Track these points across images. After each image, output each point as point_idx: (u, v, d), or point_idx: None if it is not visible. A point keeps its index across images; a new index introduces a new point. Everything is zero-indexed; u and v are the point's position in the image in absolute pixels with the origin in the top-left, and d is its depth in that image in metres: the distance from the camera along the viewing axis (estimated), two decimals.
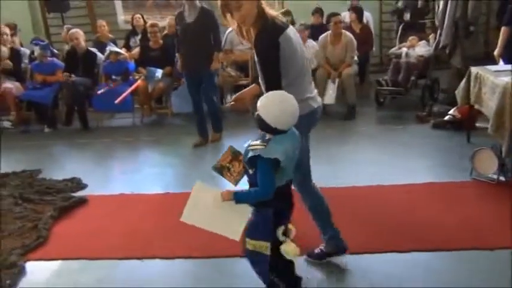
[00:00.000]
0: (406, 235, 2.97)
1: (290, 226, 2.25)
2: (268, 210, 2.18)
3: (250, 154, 2.11)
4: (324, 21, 7.02)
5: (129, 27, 7.67)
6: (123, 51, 6.81)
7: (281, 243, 2.21)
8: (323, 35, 6.03)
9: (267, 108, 2.14)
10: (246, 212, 2.21)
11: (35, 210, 3.71)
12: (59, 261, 3.01)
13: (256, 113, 2.16)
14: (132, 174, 4.47)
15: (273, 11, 2.50)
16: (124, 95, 5.79)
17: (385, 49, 7.83)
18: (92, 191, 4.06)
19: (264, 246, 2.19)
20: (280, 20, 2.48)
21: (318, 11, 7.06)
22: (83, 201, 3.83)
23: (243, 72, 6.57)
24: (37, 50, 6.42)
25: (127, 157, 5.08)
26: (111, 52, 6.38)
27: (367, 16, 7.26)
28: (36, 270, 2.94)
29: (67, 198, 3.87)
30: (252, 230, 2.22)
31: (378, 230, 3.07)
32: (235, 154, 2.28)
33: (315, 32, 6.43)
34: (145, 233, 3.26)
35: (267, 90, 2.36)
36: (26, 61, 6.78)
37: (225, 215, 2.20)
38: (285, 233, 2.22)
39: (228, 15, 2.44)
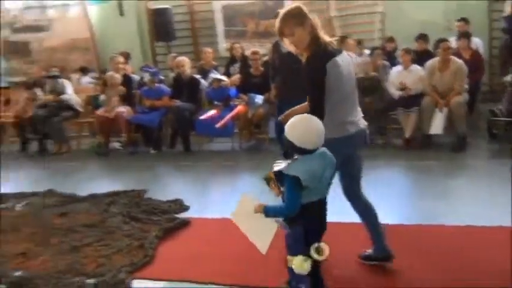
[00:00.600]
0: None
1: (322, 245, 2.33)
2: (298, 228, 2.33)
3: (275, 169, 2.34)
4: (430, 48, 6.73)
5: (229, 54, 7.93)
6: (224, 78, 7.05)
7: (315, 260, 2.32)
8: (430, 61, 5.74)
9: (293, 129, 2.32)
10: (273, 227, 2.38)
11: (142, 229, 3.85)
12: (164, 282, 3.07)
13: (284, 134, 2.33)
14: (232, 198, 4.49)
15: (327, 37, 2.70)
16: (225, 119, 5.94)
17: (494, 76, 7.32)
18: (193, 213, 4.15)
19: (300, 262, 2.32)
20: (332, 47, 2.69)
21: (422, 37, 6.78)
22: (186, 223, 3.92)
23: None
24: (146, 76, 6.82)
25: (227, 181, 5.15)
26: (214, 79, 6.62)
27: (477, 42, 6.84)
28: None
29: (171, 220, 3.98)
30: (288, 247, 2.40)
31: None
32: None
33: (419, 58, 6.16)
34: (247, 260, 3.23)
35: (311, 111, 2.51)
36: (136, 87, 7.25)
37: (259, 227, 2.41)
38: (318, 252, 2.32)
39: (285, 39, 2.70)
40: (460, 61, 5.65)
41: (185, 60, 6.67)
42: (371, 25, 8.19)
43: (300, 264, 2.33)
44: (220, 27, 9.07)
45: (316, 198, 2.36)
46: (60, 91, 7.18)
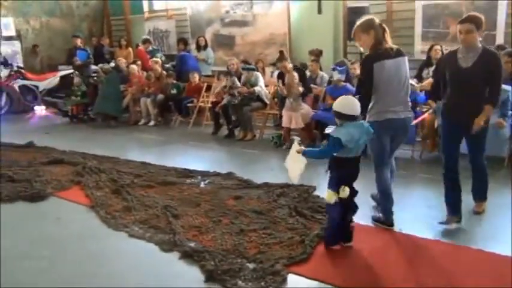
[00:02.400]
0: None
1: (346, 188, 3.40)
2: (335, 172, 3.48)
3: (327, 132, 3.44)
4: None
5: (424, 57, 7.44)
6: (414, 81, 6.66)
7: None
8: None
9: (339, 103, 3.43)
10: (303, 163, 3.56)
11: (305, 225, 3.90)
12: (316, 282, 3.06)
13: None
14: (402, 212, 4.26)
15: (389, 43, 3.77)
16: (420, 118, 5.63)
17: None
18: (359, 219, 4.03)
19: (330, 195, 3.45)
20: (389, 50, 3.71)
21: None
22: None
23: None
24: (335, 75, 6.84)
25: (398, 191, 4.87)
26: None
27: None
28: (296, 284, 3.05)
29: None
30: (328, 184, 3.51)
31: None
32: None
33: None
34: (407, 279, 3.02)
35: (360, 99, 3.55)
36: (325, 85, 7.35)
37: (295, 163, 3.60)
38: (343, 191, 3.39)
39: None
40: None
41: None
42: None
43: (329, 196, 3.46)
44: (418, 28, 8.58)
45: (352, 155, 3.42)
46: (254, 83, 7.69)
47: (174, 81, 8.87)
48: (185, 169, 5.59)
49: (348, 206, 3.50)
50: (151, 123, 8.74)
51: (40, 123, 9.82)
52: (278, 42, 9.69)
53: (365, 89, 3.73)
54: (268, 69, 9.04)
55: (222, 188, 4.92)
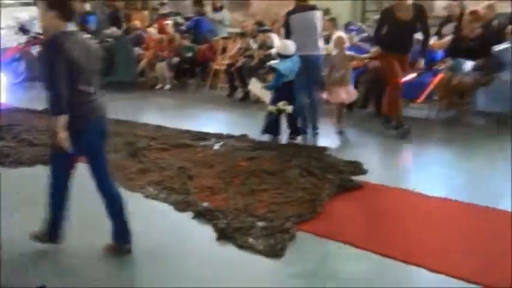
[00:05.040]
0: None
1: (284, 102, 5.05)
2: (275, 93, 5.15)
3: (271, 65, 5.30)
4: None
5: (446, 13, 7.22)
6: (434, 39, 6.51)
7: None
8: None
9: (280, 46, 5.30)
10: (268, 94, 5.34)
11: (316, 185, 3.94)
12: (325, 239, 3.13)
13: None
14: (415, 172, 4.27)
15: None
16: (425, 93, 5.56)
17: None
18: (370, 178, 4.06)
19: (271, 108, 5.15)
20: (303, 6, 5.25)
21: None
22: (358, 186, 3.88)
23: None
24: (353, 36, 6.72)
25: (414, 152, 4.86)
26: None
27: None
28: (304, 241, 3.12)
29: (346, 180, 3.98)
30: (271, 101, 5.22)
31: None
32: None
33: None
34: (412, 237, 3.06)
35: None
36: None
37: (263, 94, 5.50)
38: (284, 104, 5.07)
39: None
40: None
41: None
42: None
43: (270, 109, 5.14)
44: None
45: (288, 79, 5.02)
46: (270, 45, 7.59)
47: (189, 44, 8.82)
48: (199, 132, 5.66)
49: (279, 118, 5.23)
50: (167, 86, 8.77)
51: None
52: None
53: (284, 36, 5.41)
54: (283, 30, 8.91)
55: (235, 150, 4.98)
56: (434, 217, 3.35)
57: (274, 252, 3.00)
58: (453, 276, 2.61)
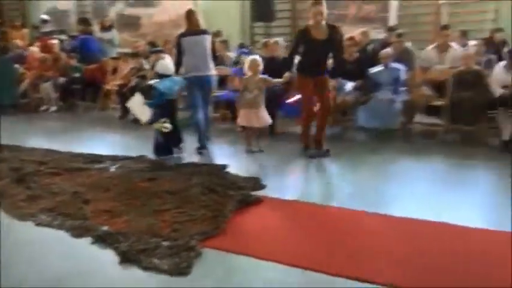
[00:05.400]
0: None
1: (166, 120, 5.21)
2: (158, 110, 5.29)
3: (152, 84, 5.40)
4: None
5: None
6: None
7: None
8: None
9: (157, 66, 5.52)
10: (148, 110, 5.40)
11: (218, 201, 4.01)
12: (230, 254, 3.20)
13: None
14: (306, 183, 4.55)
15: (200, 25, 5.64)
16: (296, 98, 5.90)
17: None
18: (268, 192, 4.24)
19: (157, 125, 5.24)
20: (195, 30, 5.58)
21: None
22: (258, 201, 4.03)
23: (438, 92, 6.12)
24: (241, 57, 6.98)
25: (304, 165, 5.16)
26: None
27: None
28: (210, 257, 3.16)
29: (246, 196, 4.11)
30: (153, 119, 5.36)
31: None
32: None
33: None
34: (313, 244, 3.26)
35: (176, 62, 5.63)
36: (230, 65, 7.46)
37: (143, 110, 5.47)
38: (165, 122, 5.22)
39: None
40: None
41: (277, 42, 6.74)
42: (483, 14, 7.61)
43: (157, 126, 5.23)
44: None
45: (169, 98, 5.31)
46: None
47: (76, 64, 8.47)
48: (93, 154, 5.46)
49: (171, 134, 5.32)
50: (53, 108, 8.32)
51: None
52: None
53: (176, 57, 5.64)
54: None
55: (132, 172, 4.88)
56: (330, 225, 3.59)
57: (180, 270, 2.99)
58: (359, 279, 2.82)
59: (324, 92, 5.28)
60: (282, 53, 6.62)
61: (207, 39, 5.63)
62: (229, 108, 7.08)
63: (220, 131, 6.73)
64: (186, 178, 4.58)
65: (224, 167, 4.96)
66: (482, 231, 3.39)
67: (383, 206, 3.86)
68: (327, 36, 5.04)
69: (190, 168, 4.87)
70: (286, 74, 5.41)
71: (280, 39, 6.92)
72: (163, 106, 5.28)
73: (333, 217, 3.76)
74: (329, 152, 5.30)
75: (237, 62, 7.20)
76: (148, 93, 5.42)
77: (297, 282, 2.82)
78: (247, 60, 5.62)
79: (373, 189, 4.30)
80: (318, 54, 5.13)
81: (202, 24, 5.73)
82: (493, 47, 6.54)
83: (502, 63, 5.65)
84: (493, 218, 3.65)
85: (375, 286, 2.72)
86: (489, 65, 6.06)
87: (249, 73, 5.52)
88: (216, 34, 7.95)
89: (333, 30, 5.09)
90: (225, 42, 7.86)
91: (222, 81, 7.31)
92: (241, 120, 5.58)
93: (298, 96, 5.67)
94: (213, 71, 5.71)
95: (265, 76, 5.59)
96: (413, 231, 3.42)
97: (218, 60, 7.34)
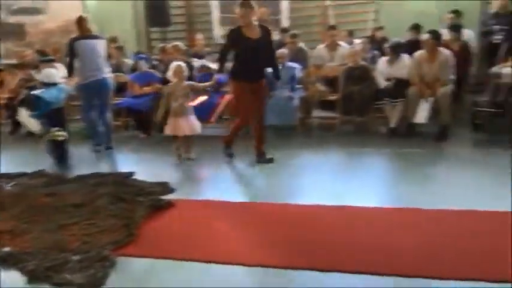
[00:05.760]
0: (497, 266, 2.77)
1: (59, 129, 5.16)
2: (46, 119, 5.21)
3: (35, 94, 5.21)
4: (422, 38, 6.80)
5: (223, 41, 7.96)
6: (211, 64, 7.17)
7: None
8: (418, 52, 5.84)
9: (42, 75, 5.45)
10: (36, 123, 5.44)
11: (127, 209, 3.94)
12: (146, 259, 3.17)
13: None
14: (219, 183, 4.64)
15: (91, 29, 5.71)
16: (217, 113, 6.04)
17: (482, 68, 7.40)
18: (179, 195, 4.25)
19: (52, 133, 5.14)
20: (88, 34, 5.62)
21: (415, 28, 6.85)
22: (170, 204, 4.03)
23: (332, 87, 6.54)
24: (142, 64, 6.88)
25: (212, 165, 5.24)
26: (201, 66, 6.70)
27: (468, 34, 6.89)
28: (126, 265, 3.12)
29: (156, 201, 4.09)
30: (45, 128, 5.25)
31: (465, 257, 2.89)
32: None
33: (411, 48, 6.20)
34: (228, 239, 3.35)
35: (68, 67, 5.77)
36: (128, 72, 7.31)
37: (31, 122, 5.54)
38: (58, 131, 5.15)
39: None
40: (448, 52, 5.74)
41: (178, 45, 6.74)
42: (365, 15, 8.24)
43: (54, 135, 5.12)
44: (216, 14, 9.11)
45: (55, 107, 5.17)
46: None
47: None
48: None
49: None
50: None
51: None
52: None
53: (68, 60, 5.69)
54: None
55: (31, 188, 4.60)
56: (243, 220, 3.70)
57: (96, 281, 2.90)
58: (271, 266, 2.95)
59: (262, 100, 5.07)
60: (183, 57, 6.61)
61: (101, 43, 5.71)
62: (130, 115, 6.94)
63: (123, 139, 6.58)
64: (91, 189, 4.43)
65: (130, 174, 4.88)
66: (380, 209, 3.72)
67: (289, 198, 4.08)
68: (260, 35, 4.77)
69: (95, 179, 4.71)
70: (215, 76, 5.27)
71: (180, 44, 6.90)
72: (50, 116, 5.18)
73: (245, 212, 3.87)
74: (273, 160, 5.09)
75: (134, 69, 7.07)
76: (33, 104, 5.28)
77: (213, 281, 2.88)
78: (171, 66, 5.31)
79: (277, 184, 4.49)
80: (254, 54, 4.75)
81: (95, 30, 5.67)
82: (376, 44, 7.12)
83: (384, 58, 6.19)
84: (387, 196, 4.02)
85: None
86: (373, 60, 6.61)
87: (173, 80, 5.25)
88: (112, 40, 7.74)
89: (265, 31, 4.84)
90: (120, 48, 7.68)
91: (121, 88, 7.14)
92: (169, 129, 5.27)
93: (203, 98, 5.71)
94: (109, 74, 5.80)
95: (191, 82, 5.42)
96: (319, 218, 3.65)
97: (115, 66, 7.22)
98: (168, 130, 5.29)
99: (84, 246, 3.34)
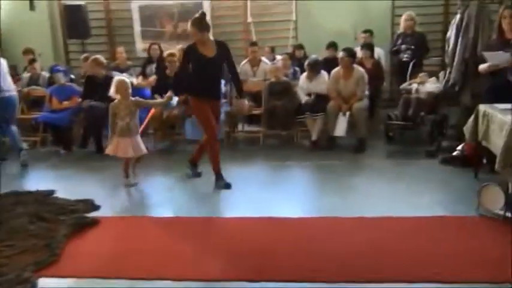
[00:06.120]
0: (414, 266, 3.02)
1: None
2: None
3: None
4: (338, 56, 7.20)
5: (146, 55, 7.90)
6: (140, 79, 7.08)
7: None
8: (335, 69, 6.18)
9: None
10: None
11: (49, 228, 3.80)
12: (71, 279, 3.08)
13: None
14: (145, 199, 4.59)
15: None
16: (143, 126, 5.94)
17: (394, 84, 7.97)
18: (104, 212, 4.16)
19: None
20: None
21: (332, 45, 7.24)
22: (95, 222, 3.93)
23: (256, 102, 6.72)
24: (61, 77, 6.64)
25: (139, 181, 5.17)
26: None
27: (379, 52, 7.41)
28: (48, 286, 3.00)
29: (80, 219, 3.97)
30: None
31: (386, 259, 3.12)
32: None
33: (329, 65, 6.55)
34: (155, 255, 3.33)
35: None
36: (45, 85, 7.03)
37: None
38: None
39: None
40: (362, 70, 6.15)
41: (99, 59, 6.57)
42: (285, 32, 8.56)
43: None
44: (137, 28, 9.00)
45: None
46: None
47: None
48: None
49: None
50: None
51: None
52: None
53: None
54: None
55: None
56: (166, 235, 3.70)
57: None
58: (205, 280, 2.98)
59: (218, 119, 4.97)
60: (103, 71, 6.47)
61: (2, 62, 5.79)
62: (48, 130, 6.65)
63: (41, 155, 6.29)
64: (8, 209, 4.21)
65: (51, 192, 4.68)
66: (303, 219, 3.89)
67: (215, 211, 4.17)
68: (216, 52, 4.62)
69: (12, 198, 4.48)
70: (169, 94, 4.95)
71: (99, 56, 6.74)
72: None
73: (171, 227, 3.87)
74: (230, 185, 4.78)
75: (52, 82, 6.81)
76: None
77: None
78: (114, 82, 4.89)
79: (203, 198, 4.55)
80: (209, 72, 4.63)
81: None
82: (296, 60, 7.42)
83: (304, 74, 6.48)
84: (310, 206, 4.21)
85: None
86: (295, 76, 6.89)
87: (117, 97, 4.85)
88: (27, 52, 7.42)
89: (221, 46, 4.70)
90: (34, 61, 7.36)
91: (37, 102, 6.84)
92: (111, 149, 4.84)
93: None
94: (13, 91, 5.93)
95: (137, 98, 5.04)
96: (246, 230, 3.74)
97: (32, 80, 6.91)
98: (109, 150, 4.88)
99: (2, 269, 3.18)
